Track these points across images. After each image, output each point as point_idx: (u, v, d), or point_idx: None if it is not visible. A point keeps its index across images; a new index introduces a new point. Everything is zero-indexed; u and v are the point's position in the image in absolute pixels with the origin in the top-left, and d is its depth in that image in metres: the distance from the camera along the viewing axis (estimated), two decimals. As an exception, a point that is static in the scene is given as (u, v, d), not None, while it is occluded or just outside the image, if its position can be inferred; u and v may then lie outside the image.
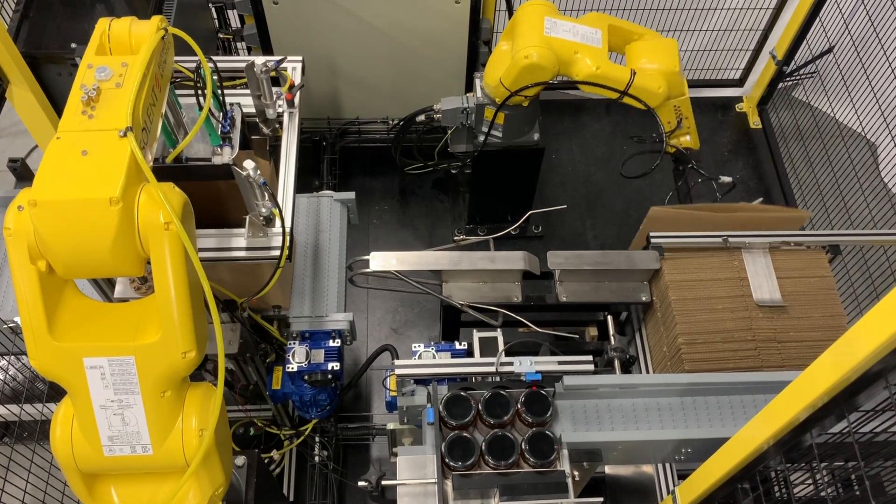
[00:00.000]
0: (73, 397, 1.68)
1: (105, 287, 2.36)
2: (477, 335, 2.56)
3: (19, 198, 1.51)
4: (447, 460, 2.04)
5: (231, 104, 2.29)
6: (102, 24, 1.83)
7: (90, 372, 1.63)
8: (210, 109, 2.10)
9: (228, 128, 2.22)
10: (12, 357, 2.85)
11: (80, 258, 1.55)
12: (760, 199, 3.58)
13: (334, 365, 2.57)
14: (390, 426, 2.58)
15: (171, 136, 2.14)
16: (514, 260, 2.80)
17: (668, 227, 2.92)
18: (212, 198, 2.22)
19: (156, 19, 1.82)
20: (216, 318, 1.65)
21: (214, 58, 2.97)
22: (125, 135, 1.55)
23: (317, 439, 3.14)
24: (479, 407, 2.12)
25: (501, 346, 2.43)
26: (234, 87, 2.48)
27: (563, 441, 2.12)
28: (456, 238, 3.91)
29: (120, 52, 1.80)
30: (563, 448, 2.11)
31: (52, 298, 1.60)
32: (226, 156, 2.18)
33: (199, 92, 2.18)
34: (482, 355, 2.53)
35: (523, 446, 2.06)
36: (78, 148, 1.55)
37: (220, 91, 2.19)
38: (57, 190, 1.49)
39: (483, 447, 2.06)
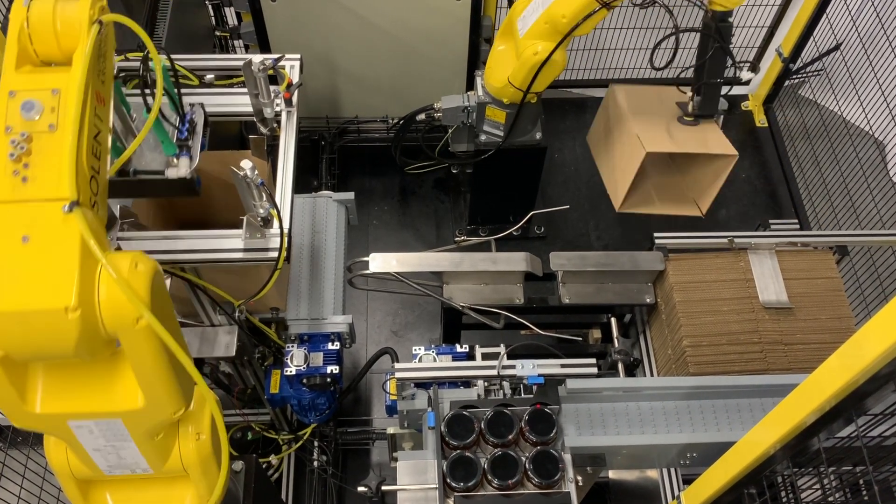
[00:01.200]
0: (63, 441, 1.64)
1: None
2: (480, 350, 2.56)
3: None
4: (449, 480, 2.04)
5: (191, 105, 1.98)
6: (18, 12, 1.48)
7: (77, 430, 1.57)
8: (162, 112, 1.85)
9: (186, 134, 1.92)
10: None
11: (40, 356, 1.41)
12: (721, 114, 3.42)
13: (333, 368, 2.57)
14: (390, 430, 2.58)
15: (118, 144, 1.86)
16: (516, 261, 2.80)
17: (631, 102, 3.15)
18: (189, 203, 2.11)
19: (85, 9, 1.49)
20: (201, 383, 1.52)
21: (212, 56, 2.99)
22: (71, 209, 1.32)
23: (316, 444, 3.13)
24: (482, 426, 2.11)
25: (503, 350, 2.43)
26: (230, 85, 2.48)
27: (566, 445, 2.12)
28: (457, 239, 3.91)
29: (47, 55, 1.49)
30: (566, 453, 2.10)
31: (19, 373, 1.46)
32: (182, 168, 1.89)
33: (149, 91, 1.86)
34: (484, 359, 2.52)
35: (527, 466, 2.05)
36: (16, 231, 1.32)
37: (175, 89, 1.90)
38: (2, 298, 1.29)
39: (486, 467, 2.05)
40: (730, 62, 3.16)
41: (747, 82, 3.60)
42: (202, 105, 2.03)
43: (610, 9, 2.72)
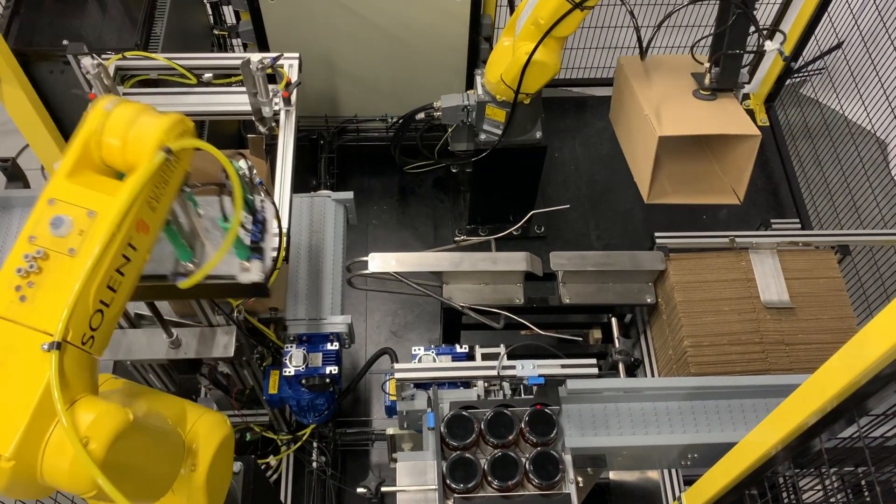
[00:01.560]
0: None
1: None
2: (479, 351, 2.56)
3: None
4: (448, 482, 2.04)
5: (262, 200, 1.84)
6: (97, 115, 1.42)
7: None
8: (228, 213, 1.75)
9: (259, 235, 1.82)
10: None
11: None
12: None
13: (332, 369, 2.57)
14: (390, 431, 2.58)
15: (184, 247, 1.74)
16: (516, 261, 2.80)
17: (641, 77, 3.00)
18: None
19: (160, 131, 1.41)
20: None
21: (210, 55, 2.98)
22: (49, 349, 1.26)
23: (315, 445, 3.13)
24: (482, 427, 2.11)
25: (503, 350, 2.43)
26: (229, 84, 2.48)
27: (566, 446, 2.12)
28: (457, 238, 3.90)
29: (110, 161, 1.43)
30: (566, 454, 2.10)
31: None
32: (255, 272, 1.82)
33: (225, 191, 1.74)
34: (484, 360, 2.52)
35: (527, 467, 2.05)
36: None
37: (250, 192, 1.79)
38: None
39: (486, 468, 2.05)
40: (753, 31, 2.92)
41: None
42: (272, 200, 1.91)
43: (584, 9, 2.72)
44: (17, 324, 1.29)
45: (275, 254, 1.83)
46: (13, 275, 1.31)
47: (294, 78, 2.43)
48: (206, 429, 1.77)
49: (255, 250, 1.79)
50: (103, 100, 1.46)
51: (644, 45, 2.98)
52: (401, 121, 3.68)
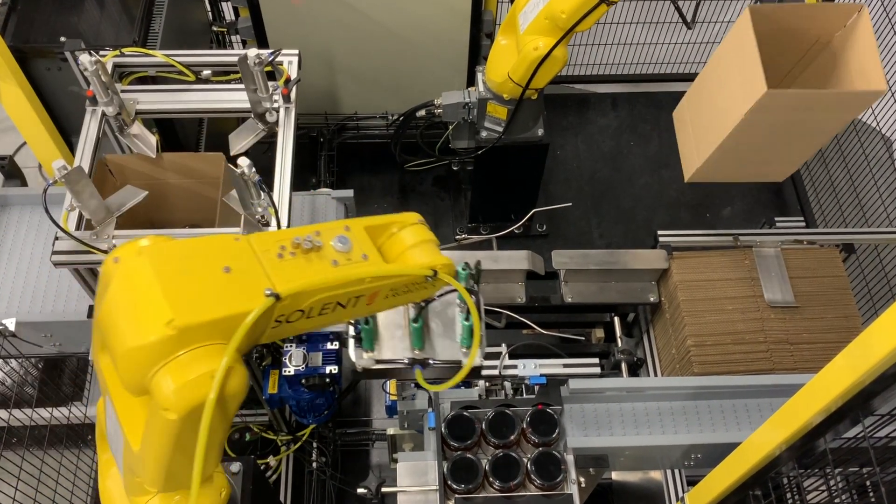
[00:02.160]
0: None
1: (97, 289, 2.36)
2: None
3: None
4: (449, 482, 2.04)
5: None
6: (410, 217, 1.65)
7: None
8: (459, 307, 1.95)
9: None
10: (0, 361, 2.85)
11: None
12: None
13: (332, 368, 2.57)
14: (390, 431, 2.58)
15: (420, 339, 1.92)
16: (518, 259, 2.80)
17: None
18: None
19: (433, 258, 1.61)
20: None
21: (208, 52, 2.99)
22: (269, 296, 1.33)
23: (314, 445, 3.14)
24: (483, 426, 2.11)
25: (505, 349, 2.43)
26: (227, 81, 2.48)
27: (568, 446, 2.12)
28: (458, 237, 3.91)
29: (391, 249, 1.63)
30: (568, 454, 2.11)
31: None
32: (477, 356, 1.95)
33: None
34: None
35: (529, 467, 2.06)
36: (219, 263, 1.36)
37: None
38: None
39: (487, 468, 2.05)
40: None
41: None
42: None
43: (609, 4, 2.70)
44: (262, 266, 1.38)
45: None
46: (289, 239, 1.43)
47: (293, 75, 2.43)
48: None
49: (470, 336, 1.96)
50: (416, 217, 1.68)
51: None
52: (401, 118, 3.67)
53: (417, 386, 2.30)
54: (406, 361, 1.90)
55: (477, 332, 1.80)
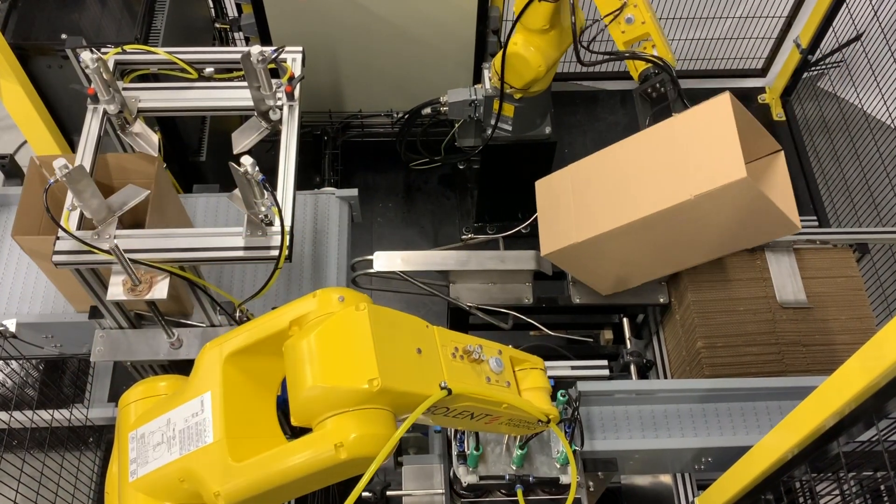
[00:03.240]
0: None
1: (98, 289, 2.37)
2: None
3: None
4: (455, 487, 2.05)
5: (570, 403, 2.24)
6: (536, 364, 1.81)
7: None
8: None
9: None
10: (0, 363, 2.86)
11: None
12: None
13: (336, 370, 2.57)
14: (395, 434, 2.58)
15: (521, 458, 2.10)
16: (525, 260, 2.80)
17: (554, 199, 2.64)
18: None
19: (541, 403, 1.76)
20: None
21: (211, 49, 2.99)
22: (442, 389, 1.47)
23: (318, 448, 3.14)
24: None
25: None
26: (230, 79, 2.49)
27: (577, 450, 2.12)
28: (463, 237, 3.91)
29: (521, 382, 1.77)
30: (576, 457, 2.11)
31: None
32: (567, 475, 2.13)
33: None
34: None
35: None
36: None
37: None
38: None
39: None
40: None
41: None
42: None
43: (542, 0, 2.73)
44: (441, 358, 1.53)
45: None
46: (462, 343, 1.59)
47: (297, 72, 2.43)
48: None
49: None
50: (543, 370, 1.81)
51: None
52: (406, 116, 3.68)
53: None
54: (507, 478, 2.07)
55: (572, 460, 1.97)
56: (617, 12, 2.77)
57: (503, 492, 2.15)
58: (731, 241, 2.50)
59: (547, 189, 2.75)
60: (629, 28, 2.80)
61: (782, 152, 2.51)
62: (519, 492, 2.06)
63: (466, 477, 2.05)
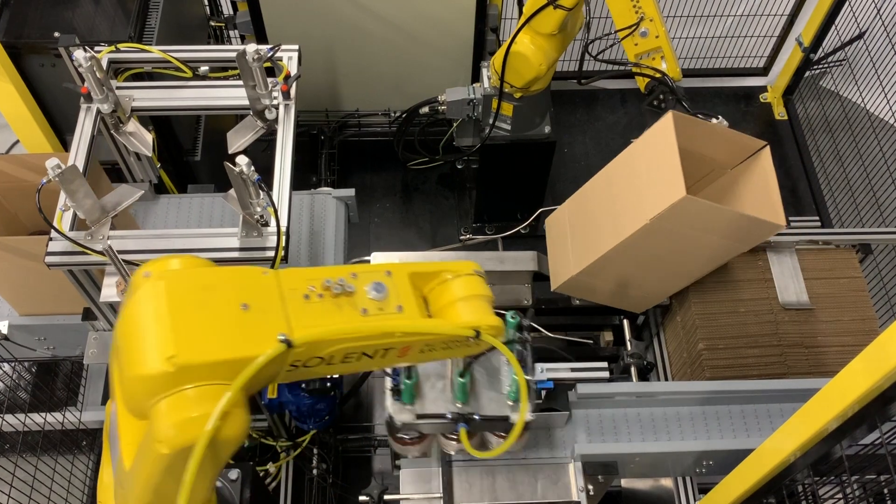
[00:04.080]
0: None
1: (91, 290, 2.37)
2: None
3: None
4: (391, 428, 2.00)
5: (520, 338, 2.02)
6: (465, 267, 1.62)
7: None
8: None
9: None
10: (-7, 365, 2.86)
11: None
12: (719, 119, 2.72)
13: (333, 372, 2.57)
14: (393, 437, 2.57)
15: (465, 393, 1.90)
16: (524, 260, 2.80)
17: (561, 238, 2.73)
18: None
19: (479, 316, 1.56)
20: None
21: (206, 47, 2.99)
22: (282, 342, 1.29)
23: (315, 451, 3.14)
24: None
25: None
26: (226, 78, 2.49)
27: (576, 453, 2.12)
28: (462, 237, 3.91)
29: (436, 302, 1.58)
30: (576, 461, 2.10)
31: None
32: (526, 412, 1.91)
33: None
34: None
35: None
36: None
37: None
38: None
39: None
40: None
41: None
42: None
43: (557, 7, 2.73)
44: (284, 307, 1.35)
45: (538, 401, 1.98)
46: (320, 280, 1.40)
47: (293, 71, 2.43)
48: None
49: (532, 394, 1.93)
50: (475, 266, 1.64)
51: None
52: (404, 115, 3.68)
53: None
54: (449, 417, 1.85)
55: (524, 389, 1.74)
56: (634, 27, 2.89)
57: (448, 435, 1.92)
58: (723, 251, 2.51)
59: (553, 224, 2.86)
60: (642, 41, 2.91)
61: (767, 148, 2.52)
62: (462, 431, 1.85)
63: (400, 415, 1.84)
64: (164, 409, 1.21)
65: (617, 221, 2.43)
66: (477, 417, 1.86)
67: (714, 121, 2.77)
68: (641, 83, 2.98)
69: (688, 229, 2.33)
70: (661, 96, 2.89)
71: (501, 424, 1.90)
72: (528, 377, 1.91)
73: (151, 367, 1.20)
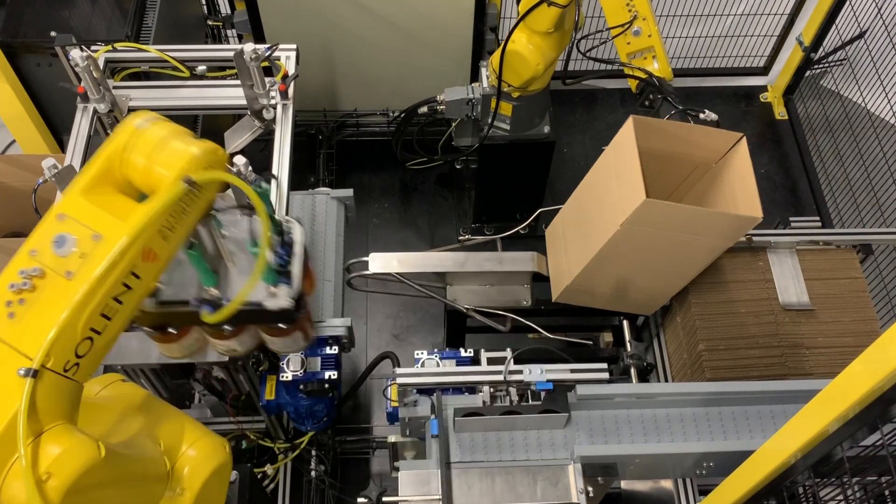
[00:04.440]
0: None
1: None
2: (485, 355, 2.56)
3: None
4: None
5: (288, 220, 1.85)
6: (126, 131, 1.43)
7: None
8: (257, 235, 1.73)
9: (286, 259, 1.79)
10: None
11: None
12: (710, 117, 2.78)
13: (332, 374, 2.57)
14: (391, 439, 2.58)
15: (208, 272, 1.73)
16: (524, 261, 2.80)
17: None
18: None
19: (186, 160, 1.41)
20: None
21: (203, 46, 2.99)
22: (25, 375, 1.25)
23: (313, 453, 3.14)
24: None
25: (510, 354, 2.43)
26: (223, 77, 2.49)
27: (576, 455, 2.12)
28: (461, 238, 3.90)
29: (135, 180, 1.43)
30: (575, 462, 2.10)
31: None
32: (282, 298, 1.78)
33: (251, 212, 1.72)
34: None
35: None
36: None
37: (274, 213, 1.76)
38: None
39: None
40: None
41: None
42: (300, 220, 1.89)
43: (551, 5, 2.73)
44: (1, 341, 1.29)
45: (299, 279, 1.80)
46: (5, 289, 1.31)
47: (291, 70, 2.43)
48: (203, 453, 1.74)
49: (283, 274, 1.76)
50: (138, 116, 1.45)
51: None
52: (403, 115, 3.68)
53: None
54: (192, 303, 1.68)
55: (260, 264, 1.60)
56: (627, 25, 2.90)
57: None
58: (706, 248, 2.50)
59: (551, 233, 2.89)
60: (635, 40, 2.92)
61: (744, 139, 2.51)
62: (205, 314, 1.67)
63: (145, 305, 1.68)
64: None
65: (598, 229, 2.47)
66: (224, 302, 1.69)
67: (702, 115, 2.81)
68: (633, 83, 3.00)
69: (662, 231, 2.36)
70: (651, 97, 2.91)
71: (260, 314, 1.73)
72: (285, 224, 1.75)
73: None
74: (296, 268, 1.77)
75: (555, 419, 2.18)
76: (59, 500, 1.29)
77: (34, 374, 1.26)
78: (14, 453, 1.26)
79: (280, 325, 1.88)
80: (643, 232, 2.35)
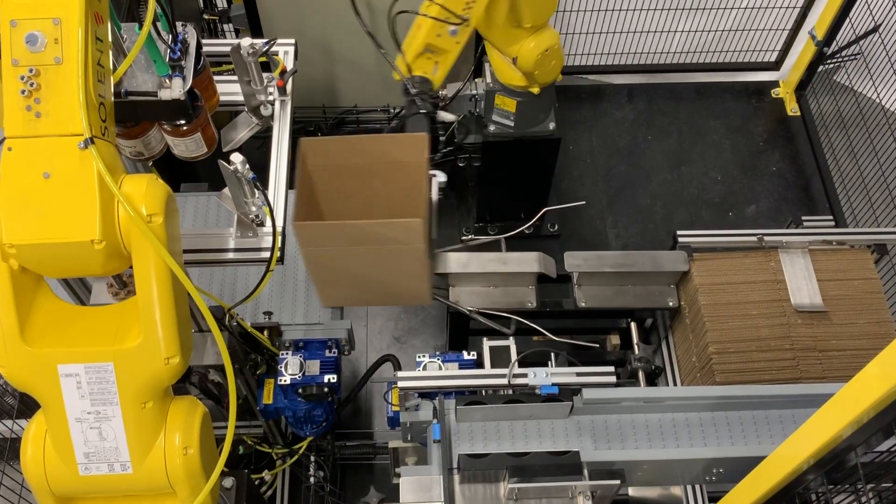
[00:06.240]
0: (46, 409, 1.70)
1: (80, 293, 2.37)
2: (487, 343, 2.56)
3: None
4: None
5: (184, 24, 2.07)
6: None
7: (65, 381, 1.64)
8: (157, 30, 1.95)
9: (179, 54, 1.99)
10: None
11: (64, 272, 1.73)
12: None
13: (331, 377, 2.58)
14: (392, 444, 2.58)
15: (162, 62, 1.94)
16: (528, 262, 2.80)
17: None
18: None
19: None
20: (211, 321, 1.69)
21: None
22: (86, 146, 1.53)
23: (312, 458, 3.14)
24: None
25: (514, 356, 2.43)
26: (220, 73, 2.49)
27: (582, 460, 2.12)
28: (464, 238, 3.91)
29: None
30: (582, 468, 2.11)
31: (25, 300, 1.64)
32: (175, 89, 1.95)
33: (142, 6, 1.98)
34: (493, 366, 2.52)
35: None
36: (37, 166, 1.55)
37: (167, 8, 1.99)
38: (32, 232, 1.54)
39: None
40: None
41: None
42: (194, 26, 2.09)
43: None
44: (45, 137, 1.54)
45: (191, 75, 2.00)
46: (19, 98, 1.54)
47: (289, 66, 2.44)
48: (185, 410, 1.81)
49: (176, 68, 1.97)
50: None
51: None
52: (403, 111, 3.68)
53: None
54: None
55: (141, 39, 1.81)
56: (451, 18, 2.73)
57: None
58: (395, 254, 2.28)
59: None
60: (443, 38, 2.78)
61: (424, 135, 2.37)
62: None
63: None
64: None
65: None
66: (123, 92, 1.90)
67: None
68: (403, 68, 2.90)
69: (344, 247, 2.22)
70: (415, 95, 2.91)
71: (156, 106, 1.93)
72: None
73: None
74: (189, 64, 2.00)
75: (558, 408, 2.18)
76: (164, 203, 1.65)
77: (91, 140, 1.52)
78: (115, 204, 1.59)
79: (179, 123, 2.04)
80: (325, 252, 2.23)
